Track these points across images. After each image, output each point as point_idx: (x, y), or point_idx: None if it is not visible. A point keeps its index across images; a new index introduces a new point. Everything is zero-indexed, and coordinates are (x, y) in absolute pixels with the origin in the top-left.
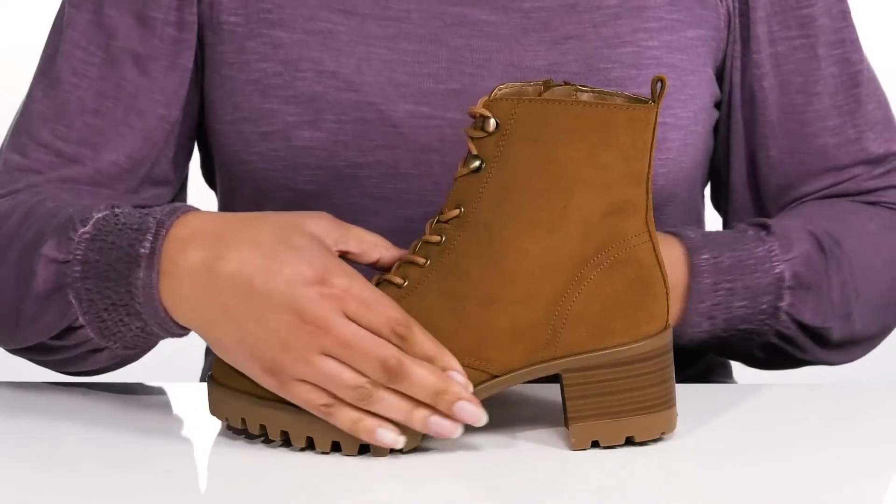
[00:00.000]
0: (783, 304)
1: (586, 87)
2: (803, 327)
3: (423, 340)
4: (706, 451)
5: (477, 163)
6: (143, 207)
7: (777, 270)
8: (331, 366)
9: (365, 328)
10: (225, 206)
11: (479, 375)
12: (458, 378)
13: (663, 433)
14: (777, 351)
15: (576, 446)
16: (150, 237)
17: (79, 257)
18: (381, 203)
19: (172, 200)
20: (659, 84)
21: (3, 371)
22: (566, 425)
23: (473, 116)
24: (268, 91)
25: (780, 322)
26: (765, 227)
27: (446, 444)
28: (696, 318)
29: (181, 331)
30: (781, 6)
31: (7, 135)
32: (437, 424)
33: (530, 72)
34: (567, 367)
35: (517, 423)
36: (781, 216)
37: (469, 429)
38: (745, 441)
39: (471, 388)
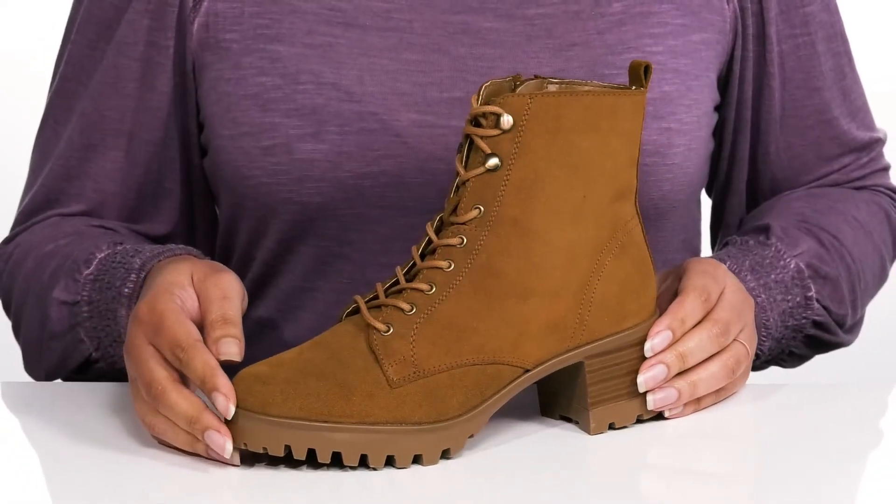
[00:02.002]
0: (812, 294)
1: (556, 79)
2: (830, 313)
3: (197, 364)
4: (706, 446)
5: (494, 161)
6: (152, 238)
7: (792, 265)
8: (135, 390)
9: (158, 350)
10: (228, 223)
11: (515, 371)
12: (220, 401)
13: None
14: (815, 341)
15: (595, 431)
16: (133, 277)
17: (85, 298)
18: (386, 212)
19: (186, 216)
20: (644, 69)
21: (4, 371)
22: (554, 415)
23: (481, 116)
24: (268, 105)
25: (814, 311)
26: (763, 231)
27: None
28: (762, 316)
29: None
30: (787, 5)
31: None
32: (210, 439)
33: None
34: (590, 353)
35: (520, 419)
36: (775, 216)
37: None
38: (743, 441)
39: (231, 412)
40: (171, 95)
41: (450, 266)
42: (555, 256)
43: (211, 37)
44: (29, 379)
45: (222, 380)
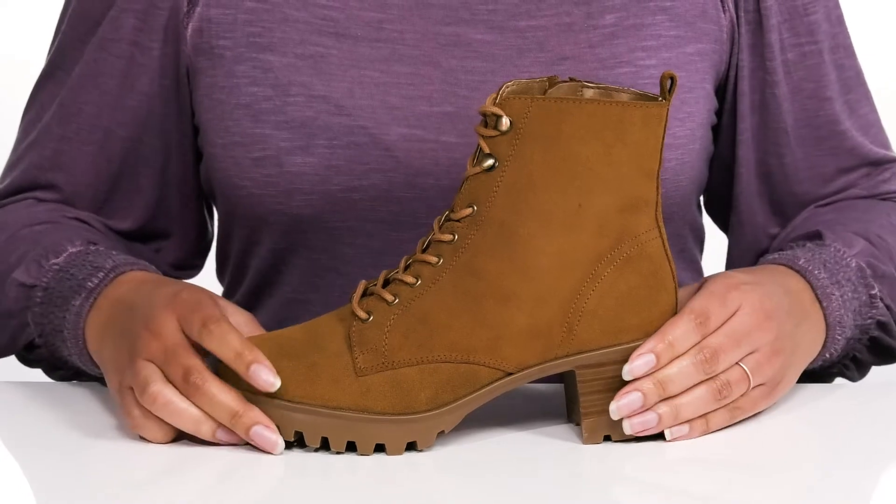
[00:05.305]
0: (875, 292)
1: (592, 83)
2: (892, 312)
3: (233, 337)
4: (709, 445)
5: (490, 161)
6: (118, 232)
7: (853, 264)
8: (147, 372)
9: (187, 335)
10: (224, 229)
11: (494, 374)
12: (263, 373)
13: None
14: (876, 345)
15: (588, 441)
16: (101, 274)
17: (43, 284)
18: (376, 226)
19: (158, 216)
20: (669, 81)
21: (4, 371)
22: (573, 420)
23: (485, 115)
24: (259, 116)
25: (879, 311)
26: (815, 236)
27: (457, 442)
28: (837, 314)
29: (93, 366)
30: (790, 13)
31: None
32: (259, 435)
33: None
34: (581, 363)
35: (520, 420)
36: (819, 224)
37: (475, 426)
38: (747, 439)
39: (277, 385)
40: (152, 97)
41: (438, 262)
42: (542, 262)
43: (204, 42)
44: (28, 379)
45: (261, 353)
